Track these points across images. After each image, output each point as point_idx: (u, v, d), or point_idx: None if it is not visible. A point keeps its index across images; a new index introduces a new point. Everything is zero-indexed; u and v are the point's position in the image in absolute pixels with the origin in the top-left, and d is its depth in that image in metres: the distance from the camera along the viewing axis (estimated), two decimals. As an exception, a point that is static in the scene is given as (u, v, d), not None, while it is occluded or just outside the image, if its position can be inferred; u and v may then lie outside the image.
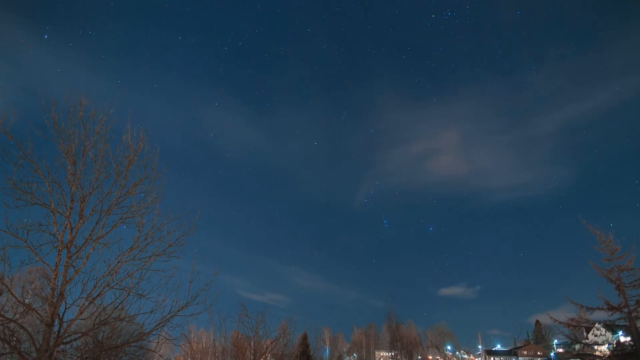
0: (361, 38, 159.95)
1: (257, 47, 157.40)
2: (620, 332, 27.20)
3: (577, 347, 44.09)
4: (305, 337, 33.61)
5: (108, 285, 7.98)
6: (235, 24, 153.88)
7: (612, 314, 19.99)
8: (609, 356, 21.49)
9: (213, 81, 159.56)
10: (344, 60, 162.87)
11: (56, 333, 7.38)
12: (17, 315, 7.39)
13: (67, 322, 7.55)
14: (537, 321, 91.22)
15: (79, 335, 7.80)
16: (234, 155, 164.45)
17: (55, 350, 7.39)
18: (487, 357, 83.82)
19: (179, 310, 8.58)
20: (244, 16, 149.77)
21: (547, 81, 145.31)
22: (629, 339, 21.57)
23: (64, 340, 7.50)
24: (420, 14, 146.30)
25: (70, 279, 7.62)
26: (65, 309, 7.58)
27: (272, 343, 18.29)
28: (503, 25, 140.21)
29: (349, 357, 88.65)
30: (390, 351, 50.18)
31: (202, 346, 21.14)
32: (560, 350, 73.58)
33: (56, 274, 7.49)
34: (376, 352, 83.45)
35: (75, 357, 7.95)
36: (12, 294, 7.23)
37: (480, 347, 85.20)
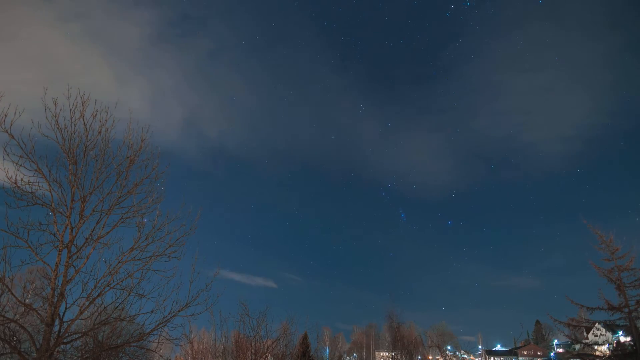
0: (379, 30, 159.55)
1: (274, 41, 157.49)
2: (620, 332, 27.25)
3: (577, 347, 44.10)
4: (305, 337, 33.56)
5: (108, 285, 7.97)
6: (252, 18, 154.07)
7: (612, 314, 19.97)
8: (609, 356, 21.48)
9: (230, 75, 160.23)
10: (362, 52, 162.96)
11: (56, 333, 7.36)
12: (18, 316, 7.37)
13: (67, 322, 7.53)
14: (537, 321, 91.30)
15: (79, 335, 7.78)
16: (250, 150, 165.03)
17: (56, 350, 7.37)
18: (487, 357, 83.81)
19: (179, 311, 8.56)
20: (260, 9, 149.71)
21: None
22: (629, 339, 21.55)
23: (64, 340, 7.48)
24: (438, 5, 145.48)
25: (70, 279, 7.60)
26: (66, 309, 7.57)
27: (273, 343, 18.27)
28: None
29: (349, 357, 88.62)
30: (392, 351, 50.14)
31: (203, 346, 21.13)
32: (560, 350, 73.61)
33: (56, 274, 7.47)
34: (376, 352, 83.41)
35: (75, 357, 7.94)
36: (12, 294, 7.21)
37: (480, 347, 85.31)
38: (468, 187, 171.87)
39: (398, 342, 47.83)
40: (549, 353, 77.74)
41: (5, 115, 7.43)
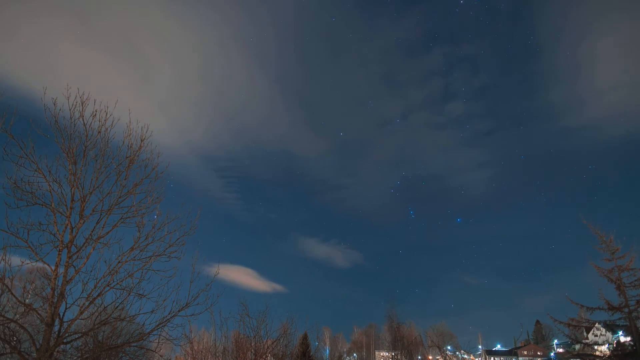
0: (385, 27, 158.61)
1: (281, 39, 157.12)
2: (621, 332, 27.17)
3: (577, 347, 44.08)
4: (305, 337, 33.55)
5: (108, 285, 7.97)
6: (259, 15, 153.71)
7: (612, 314, 19.94)
8: (609, 356, 21.44)
9: (240, 73, 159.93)
10: (369, 49, 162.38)
11: (56, 333, 7.35)
12: (18, 316, 7.36)
13: (67, 322, 7.53)
14: (537, 321, 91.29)
15: (79, 335, 7.77)
16: (261, 145, 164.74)
17: (56, 350, 7.37)
18: (487, 357, 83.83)
19: (179, 311, 8.56)
20: (266, 7, 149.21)
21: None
22: (629, 339, 21.52)
23: (64, 340, 7.48)
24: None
25: (70, 279, 7.60)
26: (66, 309, 7.56)
27: (273, 343, 18.25)
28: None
29: (349, 357, 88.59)
30: (392, 351, 50.18)
31: (203, 346, 21.12)
32: (560, 350, 73.62)
33: (56, 274, 7.47)
34: (376, 352, 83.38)
35: (75, 357, 7.92)
36: (12, 294, 7.21)
37: (480, 347, 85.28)
38: (477, 185, 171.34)
39: (398, 342, 47.88)
40: (549, 353, 77.80)
41: (5, 115, 7.43)
